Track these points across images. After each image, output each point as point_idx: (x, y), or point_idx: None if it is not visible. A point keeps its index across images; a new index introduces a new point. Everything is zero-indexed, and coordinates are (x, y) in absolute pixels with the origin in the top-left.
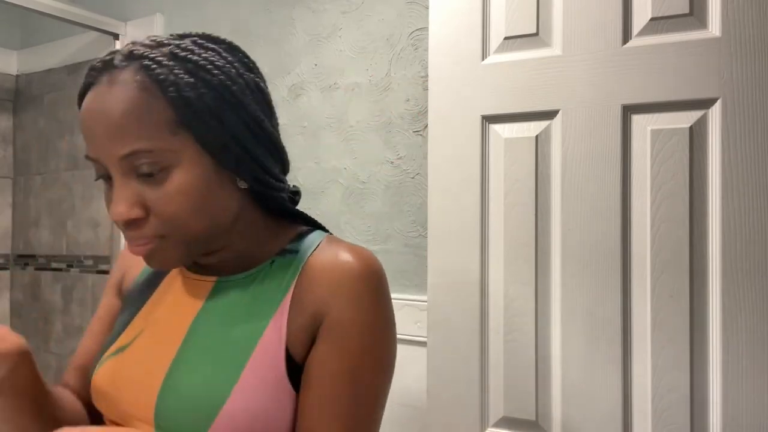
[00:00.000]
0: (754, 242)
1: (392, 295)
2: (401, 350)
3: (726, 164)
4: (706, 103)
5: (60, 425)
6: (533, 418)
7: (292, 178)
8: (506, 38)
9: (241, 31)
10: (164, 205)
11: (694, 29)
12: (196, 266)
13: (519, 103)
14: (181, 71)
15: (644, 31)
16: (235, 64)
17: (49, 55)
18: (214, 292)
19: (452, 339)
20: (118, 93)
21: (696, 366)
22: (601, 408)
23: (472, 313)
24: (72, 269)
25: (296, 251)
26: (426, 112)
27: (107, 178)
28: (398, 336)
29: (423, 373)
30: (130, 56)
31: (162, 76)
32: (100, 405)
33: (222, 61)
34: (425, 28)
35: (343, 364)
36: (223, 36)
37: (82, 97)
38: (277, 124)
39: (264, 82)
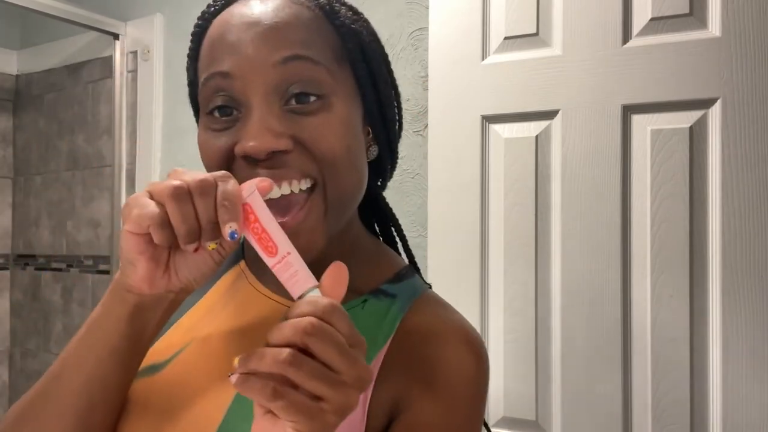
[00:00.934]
0: (754, 242)
1: None
2: None
3: (726, 164)
4: (706, 103)
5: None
6: (533, 418)
7: None
8: (506, 38)
9: None
10: (323, 137)
11: (694, 29)
12: (265, 278)
13: (519, 103)
14: (343, 6)
15: (644, 31)
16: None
17: (49, 55)
18: None
19: None
20: (282, 4)
21: (696, 366)
22: (601, 408)
23: (472, 313)
24: (72, 269)
25: (392, 296)
26: (426, 112)
27: (225, 110)
28: None
29: None
30: None
31: (326, 2)
32: None
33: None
34: (425, 28)
35: None
36: None
37: (211, 16)
38: None
39: None
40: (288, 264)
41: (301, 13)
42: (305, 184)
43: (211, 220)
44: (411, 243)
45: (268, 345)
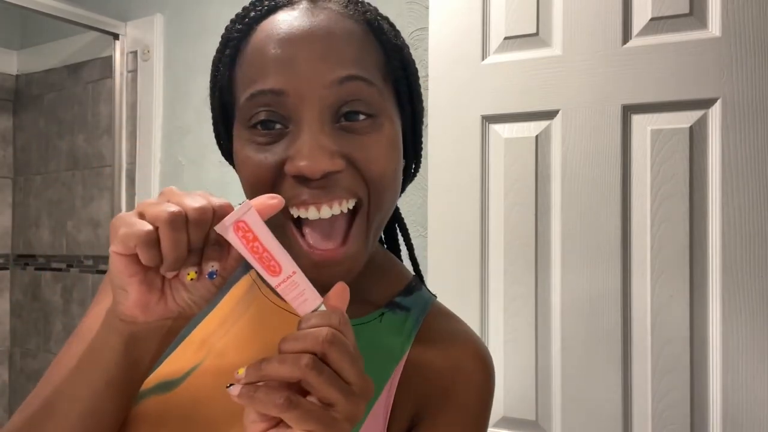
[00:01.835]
0: (754, 242)
1: None
2: None
3: (726, 164)
4: (706, 103)
5: None
6: (533, 418)
7: None
8: (506, 38)
9: None
10: (373, 157)
11: (694, 29)
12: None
13: (519, 103)
14: (384, 20)
15: (644, 31)
16: None
17: (49, 55)
18: None
19: None
20: (333, 17)
21: (696, 365)
22: (601, 408)
23: (472, 313)
24: (72, 269)
25: (407, 309)
26: (426, 112)
27: (268, 123)
28: None
29: None
30: None
31: (370, 15)
32: None
33: None
34: (425, 28)
35: None
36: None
37: (253, 22)
38: None
39: None
40: (294, 284)
41: (353, 29)
42: (351, 204)
43: (198, 250)
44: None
45: (282, 353)
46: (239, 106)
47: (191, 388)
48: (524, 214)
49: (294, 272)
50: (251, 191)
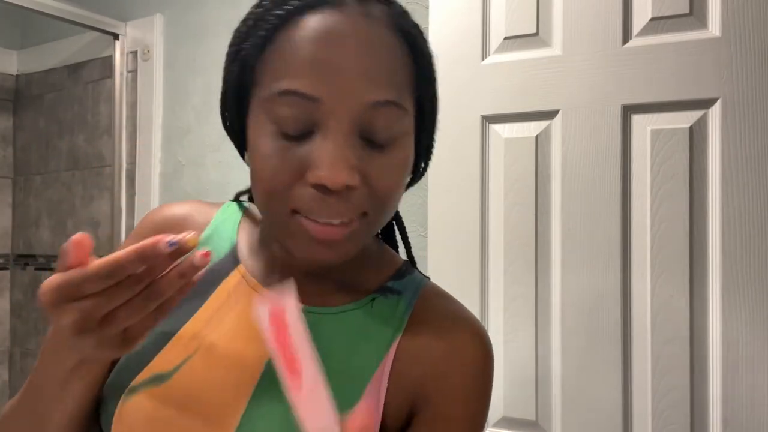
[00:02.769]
0: (754, 242)
1: None
2: None
3: (726, 164)
4: (706, 103)
5: None
6: (533, 418)
7: None
8: (506, 38)
9: None
10: (387, 177)
11: (694, 29)
12: (267, 281)
13: (519, 103)
14: (415, 27)
15: (644, 31)
16: None
17: (49, 55)
18: None
19: None
20: (379, 30)
21: (696, 366)
22: (601, 408)
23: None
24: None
25: (398, 293)
26: None
27: (294, 123)
28: None
29: None
30: None
31: (414, 30)
32: None
33: None
34: (425, 28)
35: None
36: (223, 36)
37: (296, 11)
38: None
39: None
40: (311, 393)
41: (395, 45)
42: (358, 220)
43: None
44: (411, 243)
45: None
46: (264, 97)
47: (183, 380)
48: (524, 214)
49: (316, 382)
50: (261, 187)
